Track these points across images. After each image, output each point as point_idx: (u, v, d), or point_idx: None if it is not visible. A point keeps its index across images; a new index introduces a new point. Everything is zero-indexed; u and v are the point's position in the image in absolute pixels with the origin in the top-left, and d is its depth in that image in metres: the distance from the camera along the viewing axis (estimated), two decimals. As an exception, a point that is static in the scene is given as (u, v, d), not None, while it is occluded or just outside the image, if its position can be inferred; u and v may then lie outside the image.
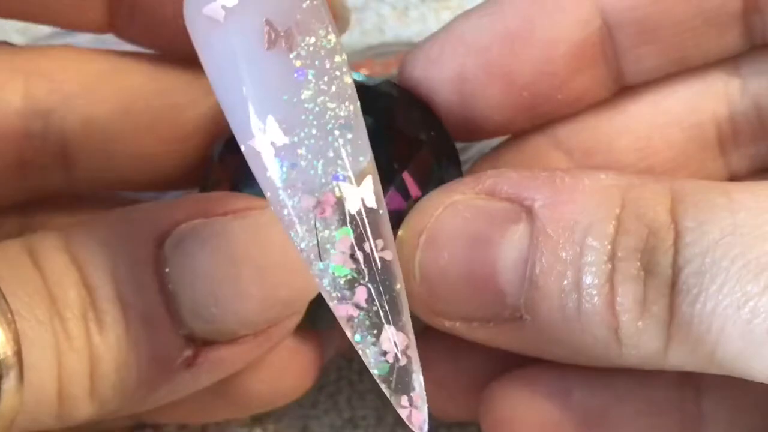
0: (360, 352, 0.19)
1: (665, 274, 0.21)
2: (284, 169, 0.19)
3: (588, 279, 0.21)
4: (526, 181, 0.23)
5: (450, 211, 0.23)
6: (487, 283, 0.22)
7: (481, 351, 0.25)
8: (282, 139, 0.19)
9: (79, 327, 0.21)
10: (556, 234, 0.22)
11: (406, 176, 0.25)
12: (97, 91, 0.25)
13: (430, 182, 0.25)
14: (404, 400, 0.19)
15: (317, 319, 0.24)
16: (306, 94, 0.19)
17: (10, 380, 0.20)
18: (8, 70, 0.24)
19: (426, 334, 0.26)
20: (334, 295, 0.19)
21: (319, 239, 0.19)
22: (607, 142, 0.26)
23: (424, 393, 0.20)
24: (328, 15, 0.20)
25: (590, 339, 0.22)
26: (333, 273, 0.19)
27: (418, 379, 0.19)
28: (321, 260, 0.19)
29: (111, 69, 0.26)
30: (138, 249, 0.22)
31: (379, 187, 0.20)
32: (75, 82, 0.25)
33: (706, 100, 0.27)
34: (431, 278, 0.23)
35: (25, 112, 0.24)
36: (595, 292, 0.21)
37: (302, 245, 0.19)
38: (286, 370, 0.26)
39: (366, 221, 0.19)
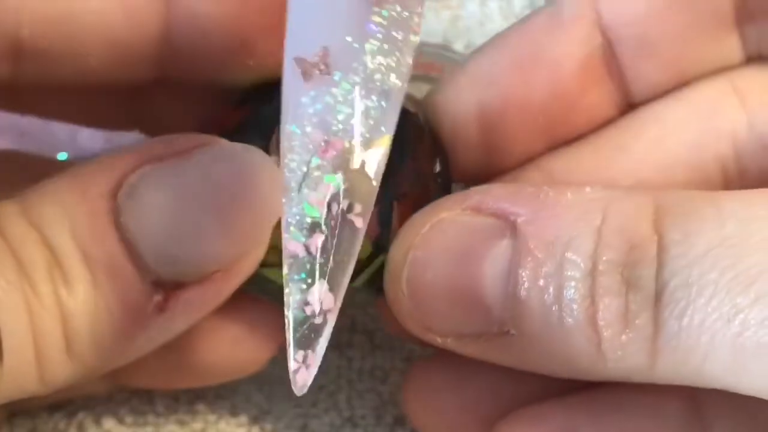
0: (285, 291, 0.19)
1: (648, 288, 0.21)
2: (312, 97, 0.19)
3: (569, 293, 0.21)
4: (511, 197, 0.23)
5: (436, 227, 0.23)
6: (473, 299, 0.22)
7: (488, 383, 0.25)
8: (324, 71, 0.19)
9: (47, 286, 0.21)
10: (538, 249, 0.22)
11: (395, 206, 0.25)
12: None
13: None
14: (300, 354, 0.19)
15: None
16: (368, 47, 0.20)
17: None
18: None
19: (432, 365, 0.26)
20: (292, 228, 0.19)
21: (306, 171, 0.19)
22: (607, 179, 0.26)
23: (320, 359, 0.20)
24: (424, 4, 0.20)
25: (575, 353, 0.22)
26: (303, 208, 0.19)
27: (322, 344, 0.20)
28: (298, 190, 0.19)
29: None
30: (93, 203, 0.22)
31: (384, 162, 0.20)
32: None
33: (710, 139, 0.26)
34: (419, 295, 0.23)
35: None
36: (576, 306, 0.21)
37: (287, 167, 0.19)
38: (242, 342, 0.27)
39: (356, 183, 0.19)
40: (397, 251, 0.23)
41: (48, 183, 0.23)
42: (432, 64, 0.35)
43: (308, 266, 0.19)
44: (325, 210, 0.19)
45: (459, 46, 0.39)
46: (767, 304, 0.19)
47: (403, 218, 0.24)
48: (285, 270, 0.19)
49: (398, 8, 0.20)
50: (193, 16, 0.24)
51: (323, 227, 0.19)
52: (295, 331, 0.19)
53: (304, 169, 0.19)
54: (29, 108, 0.28)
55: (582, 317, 0.21)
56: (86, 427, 0.29)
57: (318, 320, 0.19)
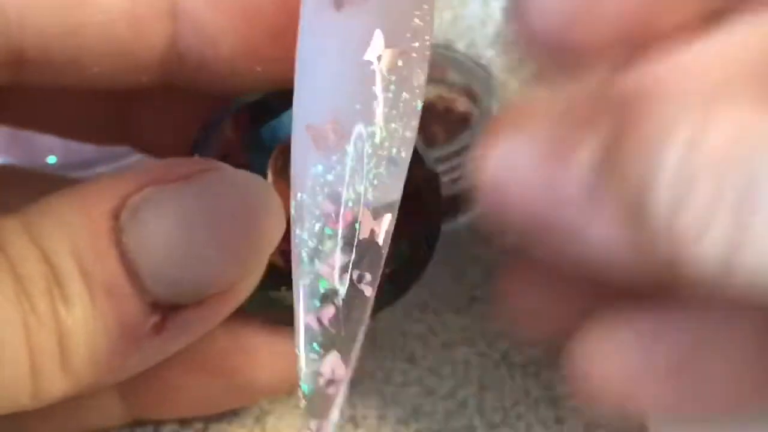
0: (298, 361, 0.19)
1: None
2: (322, 167, 0.19)
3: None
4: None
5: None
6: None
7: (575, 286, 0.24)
8: (335, 141, 0.19)
9: (45, 303, 0.21)
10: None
11: None
12: None
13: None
14: (314, 424, 0.19)
15: None
16: (377, 113, 0.19)
17: None
18: None
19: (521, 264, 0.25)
20: (306, 300, 0.19)
21: (317, 241, 0.19)
22: None
23: (334, 426, 0.20)
24: (427, 52, 0.20)
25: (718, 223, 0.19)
26: (314, 279, 0.19)
27: (335, 412, 0.20)
28: (311, 262, 0.19)
29: None
30: (94, 222, 0.22)
31: (392, 228, 0.20)
32: None
33: None
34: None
35: None
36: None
37: (298, 239, 0.19)
38: (287, 356, 0.26)
39: (366, 252, 0.19)
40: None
41: (50, 200, 0.23)
42: (434, 64, 0.35)
43: (320, 338, 0.19)
44: (337, 280, 0.19)
45: (461, 46, 0.39)
46: None
47: None
48: (297, 341, 0.19)
49: (404, 72, 0.20)
50: (200, 26, 0.24)
51: (334, 298, 0.19)
52: (307, 402, 0.19)
53: (315, 240, 0.19)
54: (20, 111, 0.28)
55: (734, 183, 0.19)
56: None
57: (331, 390, 0.19)
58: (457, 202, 0.33)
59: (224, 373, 0.26)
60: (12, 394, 0.21)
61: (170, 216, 0.22)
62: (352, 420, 0.29)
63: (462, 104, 0.34)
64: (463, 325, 0.31)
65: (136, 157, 0.31)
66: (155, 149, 0.29)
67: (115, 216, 0.22)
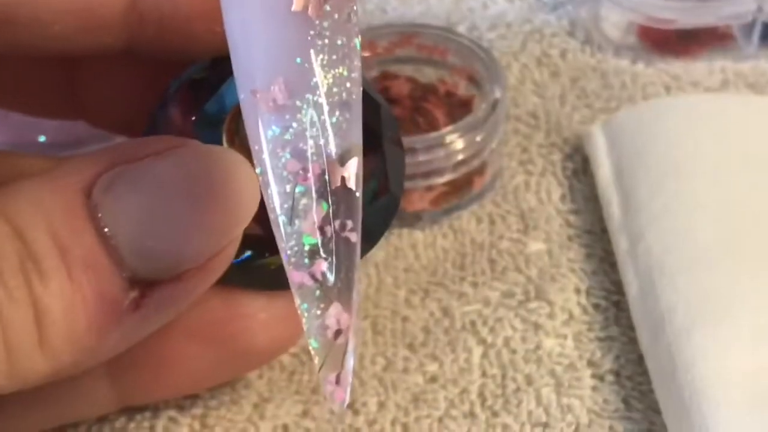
0: (302, 320, 0.19)
1: None
2: (278, 128, 0.19)
3: None
4: None
5: None
6: None
7: None
8: (283, 99, 0.19)
9: (17, 278, 0.21)
10: None
11: None
12: None
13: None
14: (332, 376, 0.20)
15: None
16: (318, 62, 0.19)
17: None
18: None
19: None
20: (294, 260, 0.19)
21: (294, 202, 0.19)
22: None
23: (351, 374, 0.20)
24: (356, 2, 0.20)
25: None
26: (300, 239, 0.19)
27: (349, 360, 0.20)
28: (292, 223, 0.19)
29: None
30: (68, 200, 0.22)
31: (362, 171, 0.20)
32: None
33: None
34: None
35: None
36: None
37: (275, 204, 0.19)
38: (280, 318, 0.27)
39: (342, 200, 0.19)
40: None
41: (23, 181, 0.23)
42: (435, 47, 0.35)
43: (317, 293, 0.19)
44: (319, 235, 0.19)
45: (462, 29, 0.39)
46: None
47: None
48: (297, 301, 0.19)
49: (336, 16, 0.20)
50: None
51: (322, 252, 0.19)
52: (321, 356, 0.20)
53: (290, 201, 0.19)
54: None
55: None
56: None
57: (341, 340, 0.20)
58: (461, 186, 0.33)
59: (222, 341, 0.26)
60: None
61: (143, 191, 0.22)
62: (351, 406, 0.29)
63: (463, 88, 0.34)
64: (464, 312, 0.31)
65: (123, 138, 0.31)
66: (109, 124, 0.29)
67: (88, 192, 0.22)
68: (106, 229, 0.22)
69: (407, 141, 0.29)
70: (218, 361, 0.27)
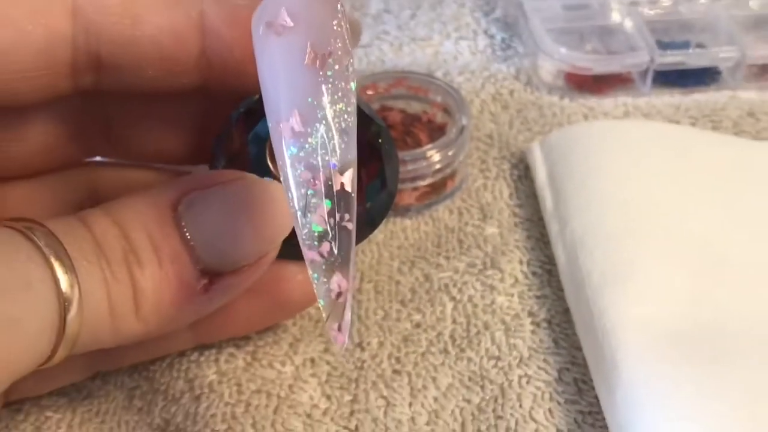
0: (314, 286, 0.20)
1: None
2: (295, 148, 0.19)
3: None
4: None
5: None
6: None
7: None
8: (300, 127, 0.19)
9: (120, 265, 0.21)
10: None
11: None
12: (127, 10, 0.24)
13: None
14: (335, 325, 0.20)
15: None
16: (324, 101, 0.19)
17: (73, 309, 0.20)
18: (55, 2, 0.23)
19: None
20: (307, 242, 0.19)
21: (307, 202, 0.19)
22: None
23: (349, 324, 0.20)
24: (352, 54, 0.20)
25: None
26: (311, 227, 0.19)
27: (347, 314, 0.20)
28: (305, 217, 0.19)
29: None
30: (161, 211, 0.22)
31: (356, 178, 0.20)
32: (115, 6, 0.23)
33: None
34: None
35: (75, 27, 0.23)
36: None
37: (294, 203, 0.19)
38: (305, 279, 0.27)
39: (341, 199, 0.19)
40: None
41: (125, 198, 0.23)
42: (420, 87, 0.35)
43: (324, 266, 0.19)
44: (326, 224, 0.19)
45: (439, 74, 0.39)
46: None
47: None
48: (309, 272, 0.19)
49: (336, 67, 0.20)
50: (220, 37, 0.24)
51: (327, 236, 0.19)
52: (326, 312, 0.20)
53: (304, 200, 0.19)
54: (109, 110, 0.27)
55: None
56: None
57: (341, 299, 0.20)
58: (438, 187, 0.33)
59: (269, 295, 0.26)
60: (96, 333, 0.21)
61: (214, 209, 0.22)
62: (359, 345, 0.29)
63: (440, 117, 0.34)
64: (440, 277, 0.31)
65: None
66: (171, 154, 0.28)
67: (174, 208, 0.22)
68: (187, 235, 0.22)
69: (399, 154, 0.29)
70: (266, 310, 0.27)
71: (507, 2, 0.41)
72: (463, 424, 0.26)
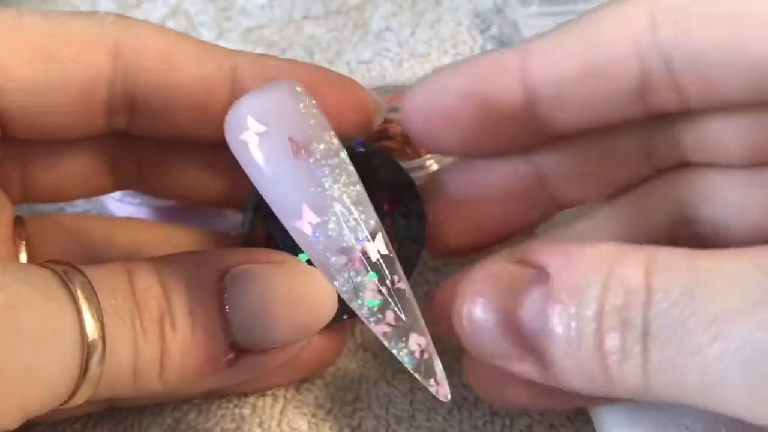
0: (396, 355, 0.20)
1: (639, 325, 0.19)
2: (321, 239, 0.19)
3: (585, 329, 0.20)
4: (546, 252, 0.21)
5: (490, 273, 0.22)
6: (516, 331, 0.21)
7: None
8: (315, 219, 0.19)
9: (154, 326, 0.21)
10: (563, 293, 0.20)
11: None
12: (163, 63, 0.24)
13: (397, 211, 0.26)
14: (431, 381, 0.20)
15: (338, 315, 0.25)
16: (326, 184, 0.20)
17: (95, 357, 0.20)
18: (99, 43, 0.24)
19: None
20: (371, 320, 0.20)
21: (353, 284, 0.20)
22: None
23: (444, 374, 0.20)
24: (329, 125, 0.20)
25: (589, 375, 0.20)
26: (367, 305, 0.20)
27: (438, 365, 0.20)
28: (357, 298, 0.20)
29: (172, 47, 0.24)
30: (207, 279, 0.22)
31: (387, 239, 0.20)
32: (154, 53, 0.24)
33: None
34: (474, 324, 0.21)
35: (115, 68, 0.24)
36: (590, 339, 0.20)
37: (342, 290, 0.20)
38: (325, 341, 0.27)
39: (383, 265, 0.20)
40: (462, 289, 0.22)
41: (180, 256, 0.23)
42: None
43: (397, 333, 0.20)
44: (379, 295, 0.20)
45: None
46: (720, 343, 0.18)
47: None
48: (385, 344, 0.20)
49: (321, 146, 0.20)
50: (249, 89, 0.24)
51: (387, 305, 0.20)
52: (418, 373, 0.20)
53: (351, 283, 0.19)
54: (140, 149, 0.27)
55: (594, 348, 0.20)
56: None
57: (425, 356, 0.20)
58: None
59: None
60: (115, 384, 0.21)
61: (257, 287, 0.22)
62: (362, 345, 0.29)
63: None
64: (439, 280, 0.31)
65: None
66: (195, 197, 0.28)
67: (221, 277, 0.22)
68: (225, 307, 0.22)
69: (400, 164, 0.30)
70: (280, 370, 0.26)
71: (502, 21, 0.42)
72: (460, 421, 0.27)
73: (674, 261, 0.20)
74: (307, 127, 0.20)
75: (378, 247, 0.20)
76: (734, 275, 0.19)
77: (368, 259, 0.19)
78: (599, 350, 0.20)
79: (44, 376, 0.19)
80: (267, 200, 0.20)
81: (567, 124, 0.24)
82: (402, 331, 0.20)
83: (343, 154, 0.20)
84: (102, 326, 0.20)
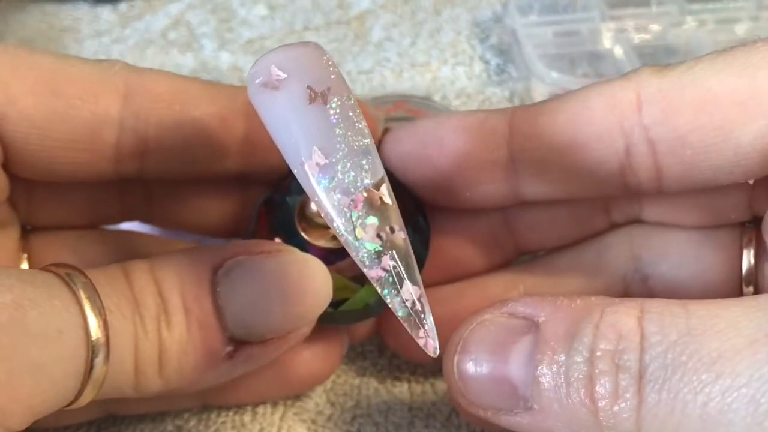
0: (387, 302, 0.20)
1: (634, 369, 0.19)
2: (326, 180, 0.19)
3: (574, 375, 0.20)
4: (536, 303, 0.21)
5: (480, 325, 0.22)
6: (505, 381, 0.21)
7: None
8: (324, 160, 0.20)
9: (152, 324, 0.21)
10: (552, 341, 0.20)
11: None
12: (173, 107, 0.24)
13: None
14: (420, 332, 0.20)
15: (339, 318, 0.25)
16: (338, 131, 0.20)
17: (100, 356, 0.20)
18: (107, 83, 0.24)
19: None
20: (367, 263, 0.19)
21: (353, 225, 0.19)
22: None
23: (434, 327, 0.20)
24: (347, 85, 0.21)
25: (580, 422, 0.20)
26: (365, 247, 0.19)
27: (429, 318, 0.20)
28: (356, 239, 0.19)
29: (181, 87, 0.25)
30: (199, 274, 0.22)
31: (391, 190, 0.20)
32: (165, 93, 0.24)
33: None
34: (466, 376, 0.22)
35: (125, 110, 0.24)
36: (580, 384, 0.20)
37: (342, 230, 0.19)
38: (320, 357, 0.27)
39: (384, 212, 0.20)
40: (451, 341, 0.22)
41: (171, 253, 0.23)
42: (418, 111, 0.36)
43: (391, 279, 0.19)
44: (378, 240, 0.19)
45: (437, 97, 0.39)
46: (725, 380, 0.18)
47: None
48: (378, 290, 0.19)
49: (337, 98, 0.20)
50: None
51: (383, 251, 0.19)
52: (408, 323, 0.20)
53: (351, 224, 0.19)
54: (150, 185, 0.28)
55: (584, 393, 0.20)
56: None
57: (417, 306, 0.20)
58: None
59: (274, 369, 0.26)
60: (118, 383, 0.21)
61: (251, 278, 0.22)
62: (362, 354, 0.29)
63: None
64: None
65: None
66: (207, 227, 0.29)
67: (214, 272, 0.22)
68: (220, 301, 0.22)
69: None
70: (271, 384, 0.27)
71: (501, 30, 0.42)
72: (458, 427, 0.27)
73: (667, 307, 0.20)
74: (327, 81, 0.20)
75: (382, 195, 0.20)
76: (731, 318, 0.19)
77: (371, 203, 0.19)
78: (589, 395, 0.20)
79: (52, 374, 0.19)
80: (278, 146, 0.20)
81: (542, 193, 0.25)
82: (396, 278, 0.19)
83: (358, 110, 0.20)
84: (105, 326, 0.20)
